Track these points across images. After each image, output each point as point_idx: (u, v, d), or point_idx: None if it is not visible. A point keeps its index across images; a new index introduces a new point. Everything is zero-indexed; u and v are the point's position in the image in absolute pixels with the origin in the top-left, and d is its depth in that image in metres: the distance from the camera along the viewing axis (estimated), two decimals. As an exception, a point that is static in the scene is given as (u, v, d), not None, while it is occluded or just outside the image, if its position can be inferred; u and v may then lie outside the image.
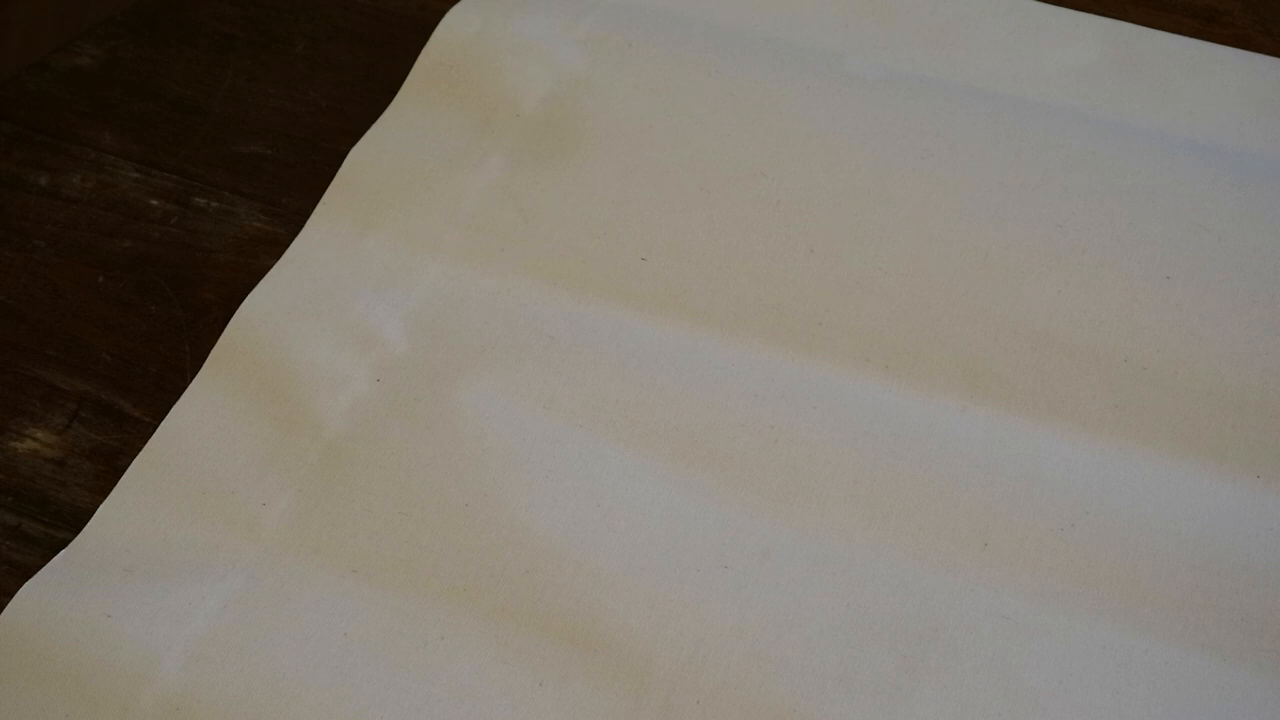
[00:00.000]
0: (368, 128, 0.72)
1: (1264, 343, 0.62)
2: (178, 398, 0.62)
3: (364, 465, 0.60)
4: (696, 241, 0.66)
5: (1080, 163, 0.68)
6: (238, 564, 0.57)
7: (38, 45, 0.76)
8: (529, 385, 0.62)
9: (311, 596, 0.56)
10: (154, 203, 0.70)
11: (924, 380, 0.62)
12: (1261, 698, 0.53)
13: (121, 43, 0.77)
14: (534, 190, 0.68)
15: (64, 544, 0.58)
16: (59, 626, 0.55)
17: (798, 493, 0.59)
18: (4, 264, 0.68)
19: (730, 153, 0.69)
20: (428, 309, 0.64)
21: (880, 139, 0.69)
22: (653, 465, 0.59)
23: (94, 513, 0.59)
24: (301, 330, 0.63)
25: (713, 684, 0.54)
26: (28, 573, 0.57)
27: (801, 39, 0.74)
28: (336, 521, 0.58)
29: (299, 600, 0.56)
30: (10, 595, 0.56)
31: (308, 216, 0.68)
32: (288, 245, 0.67)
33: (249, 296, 0.65)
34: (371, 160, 0.70)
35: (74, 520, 0.59)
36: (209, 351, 0.63)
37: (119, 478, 0.60)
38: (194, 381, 0.63)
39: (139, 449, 0.61)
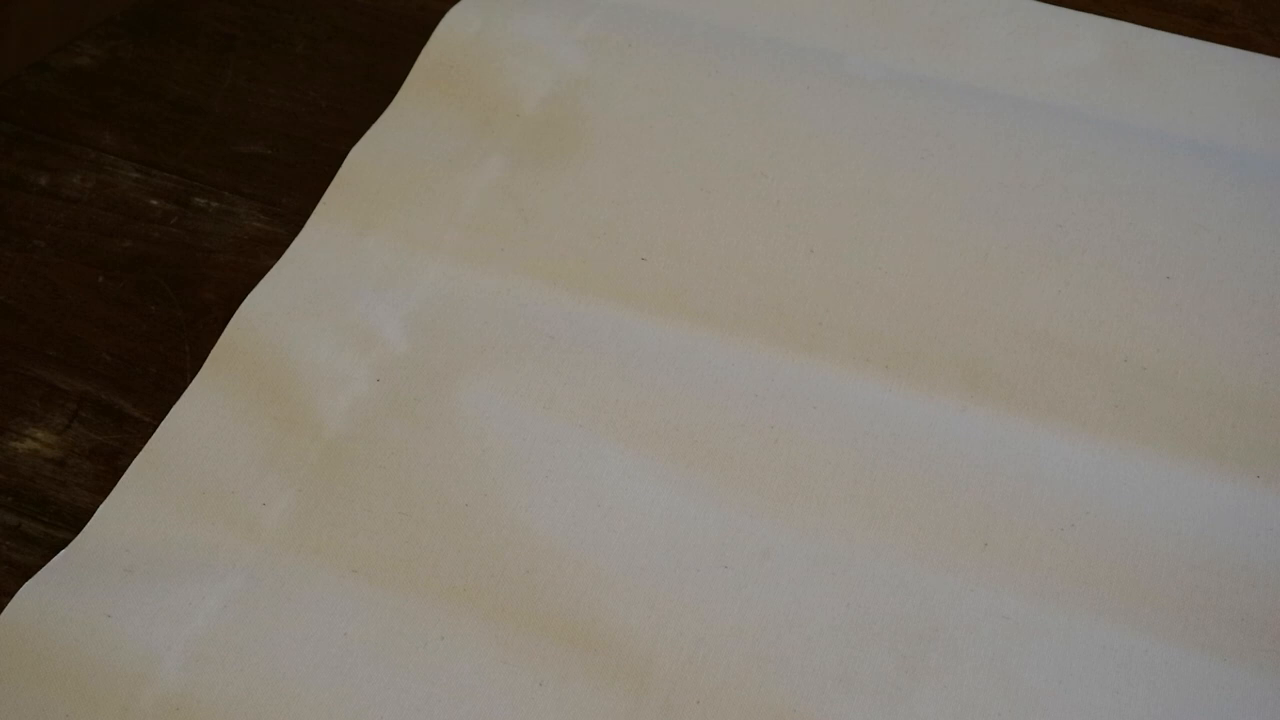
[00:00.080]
0: (368, 128, 0.72)
1: (1264, 343, 0.62)
2: (178, 398, 0.62)
3: (364, 465, 0.60)
4: (696, 241, 0.66)
5: (1080, 163, 0.68)
6: (238, 564, 0.57)
7: (38, 45, 0.76)
8: (529, 385, 0.62)
9: (311, 596, 0.56)
10: (154, 203, 0.70)
11: (924, 380, 0.62)
12: (1261, 698, 0.53)
13: (121, 43, 0.77)
14: (534, 190, 0.68)
15: (64, 544, 0.58)
16: (59, 626, 0.55)
17: (798, 493, 0.59)
18: (4, 264, 0.68)
19: (730, 153, 0.69)
20: (428, 309, 0.64)
21: (880, 139, 0.69)
22: (653, 465, 0.59)
23: (94, 513, 0.59)
24: (301, 330, 0.63)
25: (713, 684, 0.54)
26: (28, 573, 0.57)
27: (801, 39, 0.74)
28: (336, 521, 0.58)
29: (299, 600, 0.56)
30: (10, 595, 0.56)
31: (308, 216, 0.68)
32: (288, 245, 0.67)
33: (249, 296, 0.65)
34: (371, 160, 0.70)
35: (74, 520, 0.59)
36: (209, 351, 0.63)
37: (119, 478, 0.60)
38: (194, 381, 0.63)
39: (139, 449, 0.61)
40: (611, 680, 0.54)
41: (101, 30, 0.78)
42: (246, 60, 0.77)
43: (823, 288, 0.65)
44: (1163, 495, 0.58)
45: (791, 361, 0.63)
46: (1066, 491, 0.58)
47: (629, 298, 0.65)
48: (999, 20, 0.75)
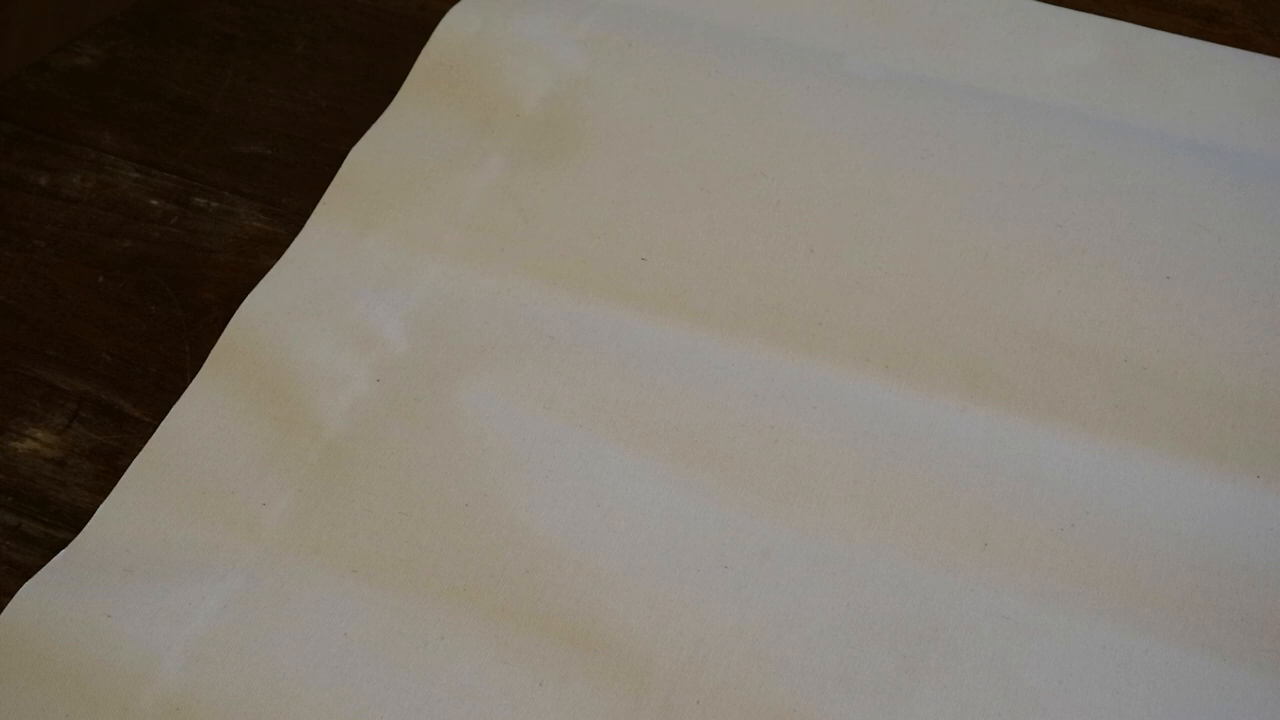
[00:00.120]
0: (368, 128, 0.72)
1: (1264, 343, 0.62)
2: (178, 398, 0.62)
3: (364, 465, 0.60)
4: (696, 241, 0.66)
5: (1080, 163, 0.68)
6: (238, 564, 0.57)
7: (38, 45, 0.76)
8: (529, 385, 0.62)
9: (311, 596, 0.56)
10: (154, 203, 0.70)
11: (924, 380, 0.62)
12: (1261, 698, 0.53)
13: (121, 43, 0.77)
14: (534, 190, 0.68)
15: (64, 544, 0.58)
16: (59, 626, 0.55)
17: (798, 493, 0.59)
18: (4, 264, 0.68)
19: (730, 153, 0.69)
20: (428, 309, 0.64)
21: (880, 139, 0.69)
22: (653, 465, 0.59)
23: (94, 513, 0.59)
24: (301, 330, 0.63)
25: (713, 684, 0.54)
26: (28, 573, 0.57)
27: (801, 39, 0.74)
28: (336, 521, 0.58)
29: (299, 600, 0.56)
30: (10, 595, 0.56)
31: (308, 216, 0.68)
32: (288, 245, 0.67)
33: (249, 296, 0.65)
34: (371, 160, 0.70)
35: (74, 520, 0.59)
36: (209, 351, 0.63)
37: (119, 478, 0.60)
38: (194, 381, 0.63)
39: (139, 449, 0.61)
40: (611, 680, 0.54)
41: (101, 30, 0.78)
42: (246, 60, 0.77)
43: (823, 288, 0.65)
44: (1163, 495, 0.58)
45: (791, 361, 0.63)
46: (1066, 491, 0.58)
47: (629, 298, 0.65)
48: (999, 20, 0.75)
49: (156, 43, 0.77)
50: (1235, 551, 0.57)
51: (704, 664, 0.54)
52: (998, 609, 0.55)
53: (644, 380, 0.62)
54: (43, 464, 0.61)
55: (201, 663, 0.54)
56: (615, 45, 0.73)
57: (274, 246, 0.68)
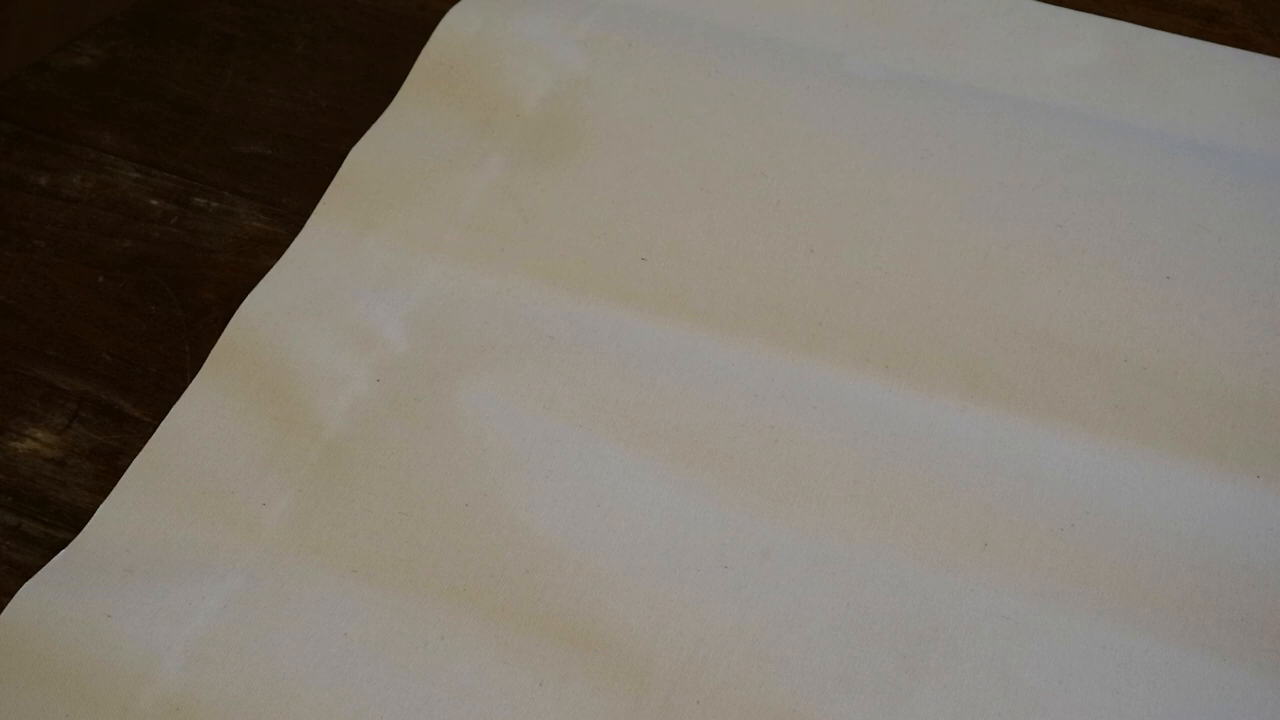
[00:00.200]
0: (368, 128, 0.72)
1: (1264, 343, 0.62)
2: (178, 398, 0.62)
3: (364, 465, 0.60)
4: (696, 241, 0.66)
5: (1080, 163, 0.68)
6: (238, 564, 0.57)
7: (38, 45, 0.76)
8: (529, 385, 0.62)
9: (311, 596, 0.56)
10: (154, 203, 0.70)
11: (924, 380, 0.62)
12: (1261, 698, 0.53)
13: (121, 43, 0.77)
14: (534, 190, 0.68)
15: (64, 544, 0.58)
16: (59, 626, 0.55)
17: (798, 493, 0.59)
18: (4, 264, 0.68)
19: (730, 153, 0.69)
20: (428, 309, 0.64)
21: (880, 139, 0.69)
22: (653, 465, 0.59)
23: (94, 513, 0.59)
24: (301, 330, 0.63)
25: (713, 684, 0.54)
26: (28, 573, 0.57)
27: (801, 39, 0.74)
28: (336, 521, 0.58)
29: (299, 600, 0.56)
30: (10, 595, 0.56)
31: (308, 216, 0.68)
32: (288, 245, 0.67)
33: (249, 296, 0.65)
34: (371, 160, 0.70)
35: (74, 520, 0.59)
36: (209, 351, 0.63)
37: (119, 478, 0.60)
38: (194, 381, 0.63)
39: (139, 449, 0.61)
40: (611, 680, 0.54)
41: (101, 30, 0.78)
42: (246, 60, 0.77)
43: (823, 288, 0.65)
44: (1163, 495, 0.58)
45: (791, 361, 0.63)
46: (1066, 491, 0.58)
47: (629, 298, 0.65)
48: (999, 20, 0.75)
49: (156, 43, 0.77)
50: (1235, 551, 0.57)
51: (704, 664, 0.54)
52: (998, 609, 0.55)
53: (644, 380, 0.62)
54: (43, 464, 0.61)
55: (201, 663, 0.54)
56: (615, 45, 0.73)
57: (274, 246, 0.68)
